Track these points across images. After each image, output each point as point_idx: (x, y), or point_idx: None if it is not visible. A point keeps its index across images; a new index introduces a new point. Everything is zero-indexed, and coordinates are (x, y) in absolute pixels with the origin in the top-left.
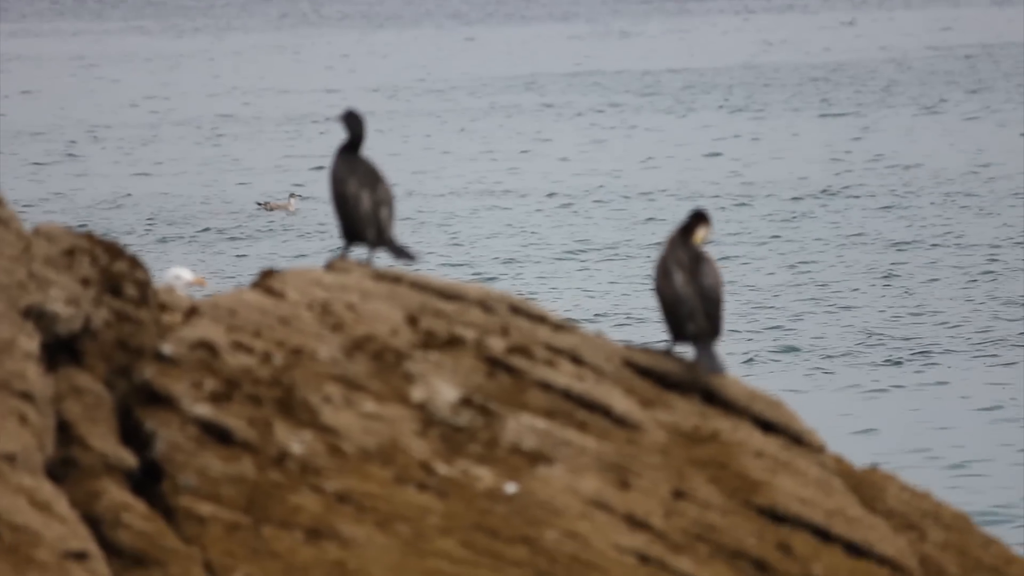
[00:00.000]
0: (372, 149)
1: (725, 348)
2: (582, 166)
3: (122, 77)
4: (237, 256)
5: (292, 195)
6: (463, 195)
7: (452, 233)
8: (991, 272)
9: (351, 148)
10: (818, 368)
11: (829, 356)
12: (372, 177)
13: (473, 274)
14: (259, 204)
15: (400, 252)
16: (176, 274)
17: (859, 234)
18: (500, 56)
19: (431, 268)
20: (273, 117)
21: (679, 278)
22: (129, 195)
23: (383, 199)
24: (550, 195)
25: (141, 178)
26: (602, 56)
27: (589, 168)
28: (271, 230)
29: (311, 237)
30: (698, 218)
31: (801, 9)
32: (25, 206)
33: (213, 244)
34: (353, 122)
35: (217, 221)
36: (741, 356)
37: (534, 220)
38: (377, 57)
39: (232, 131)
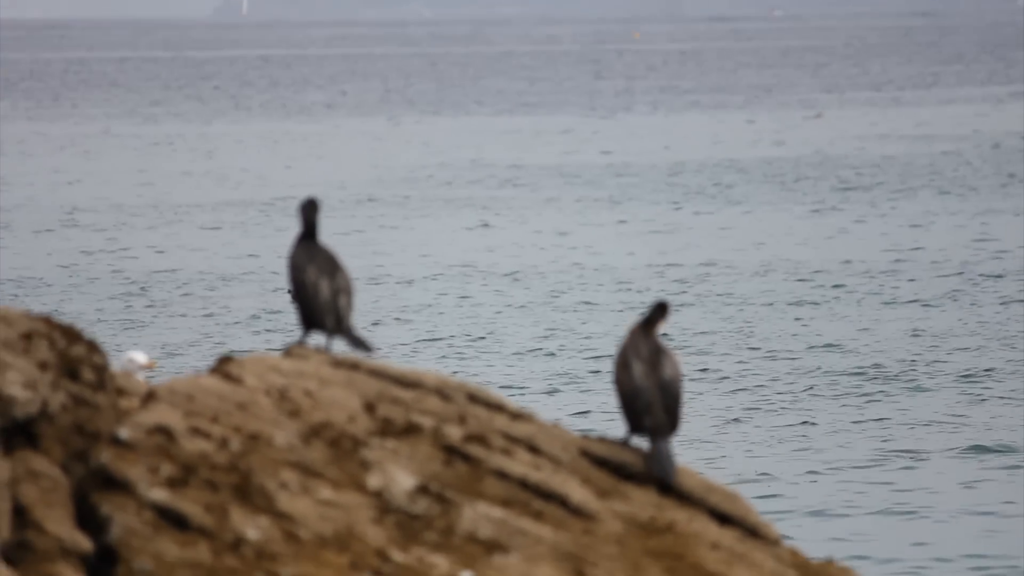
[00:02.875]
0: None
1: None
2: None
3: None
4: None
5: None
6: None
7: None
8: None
9: (309, 236)
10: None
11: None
12: (331, 265)
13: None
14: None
15: (357, 343)
16: (130, 358)
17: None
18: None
19: (402, 355)
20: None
21: (638, 370)
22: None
23: (342, 287)
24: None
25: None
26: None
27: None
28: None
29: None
30: (660, 310)
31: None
32: None
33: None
34: (310, 210)
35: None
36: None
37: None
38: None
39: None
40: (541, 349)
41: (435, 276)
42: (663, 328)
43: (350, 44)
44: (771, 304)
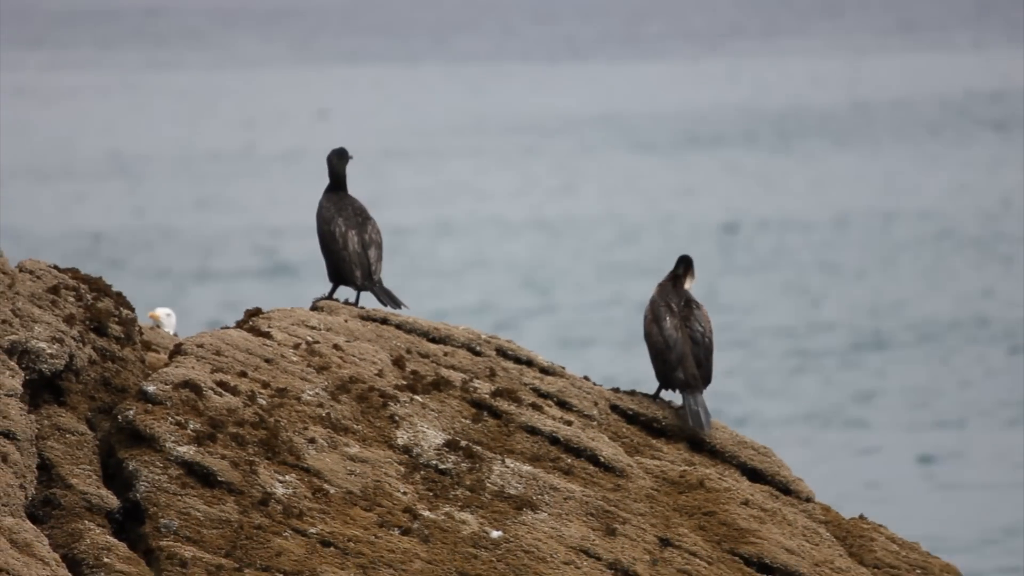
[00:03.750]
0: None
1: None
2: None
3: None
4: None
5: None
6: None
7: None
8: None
9: (337, 187)
10: None
11: None
12: (360, 217)
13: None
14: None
15: (387, 298)
16: (167, 312)
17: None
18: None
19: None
20: (269, 152)
21: (669, 323)
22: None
23: (371, 240)
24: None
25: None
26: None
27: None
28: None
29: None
30: (686, 264)
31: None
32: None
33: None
34: (338, 161)
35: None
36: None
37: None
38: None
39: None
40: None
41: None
42: (690, 283)
43: None
44: None
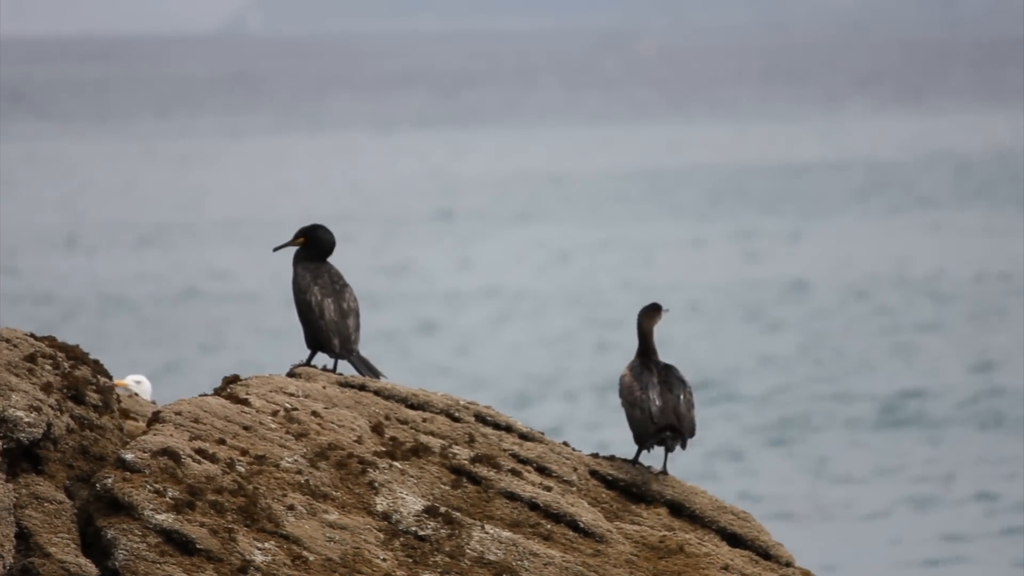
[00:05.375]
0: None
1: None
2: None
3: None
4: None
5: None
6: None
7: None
8: None
9: (315, 256)
10: None
11: None
12: (337, 284)
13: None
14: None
15: (366, 368)
16: (136, 379)
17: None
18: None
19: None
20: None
21: (647, 381)
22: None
23: (350, 308)
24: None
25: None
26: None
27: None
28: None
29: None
30: (654, 310)
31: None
32: None
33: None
34: (321, 233)
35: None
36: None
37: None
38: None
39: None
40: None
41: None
42: (659, 323)
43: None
44: None
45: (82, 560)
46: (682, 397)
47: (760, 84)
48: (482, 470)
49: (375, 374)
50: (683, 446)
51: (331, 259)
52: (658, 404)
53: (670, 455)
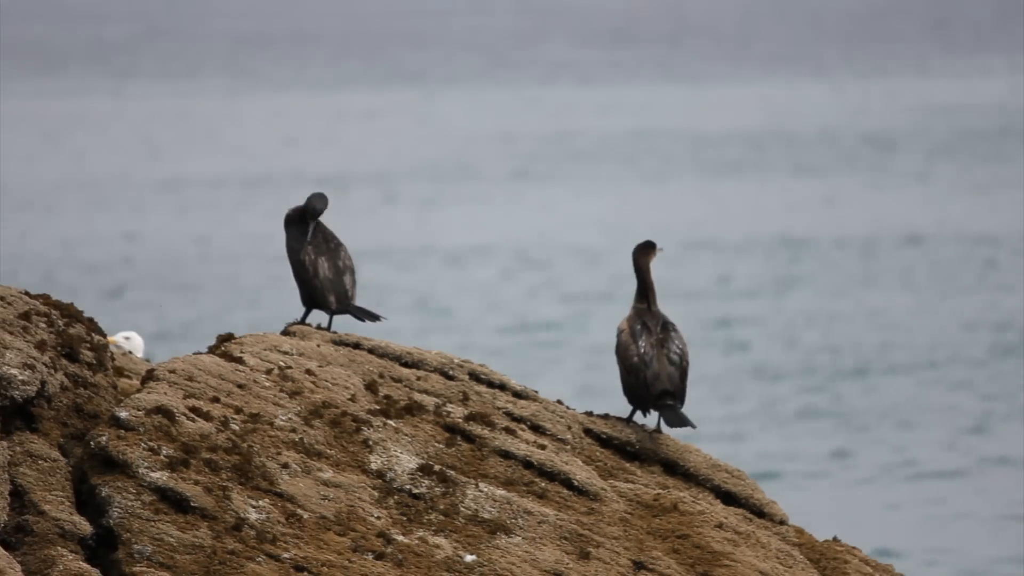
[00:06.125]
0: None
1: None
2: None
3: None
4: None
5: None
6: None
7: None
8: None
9: (305, 218)
10: None
11: None
12: (332, 243)
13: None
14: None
15: (364, 314)
16: (125, 335)
17: None
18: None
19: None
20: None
21: (645, 342)
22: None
23: (345, 266)
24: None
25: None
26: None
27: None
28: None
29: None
30: (648, 248)
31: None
32: None
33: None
34: (315, 200)
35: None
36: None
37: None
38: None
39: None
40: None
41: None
42: (655, 258)
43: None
44: None
45: (76, 518)
46: (679, 364)
47: (784, 40)
48: (476, 428)
49: (374, 318)
50: (680, 417)
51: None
52: (655, 370)
53: (666, 418)
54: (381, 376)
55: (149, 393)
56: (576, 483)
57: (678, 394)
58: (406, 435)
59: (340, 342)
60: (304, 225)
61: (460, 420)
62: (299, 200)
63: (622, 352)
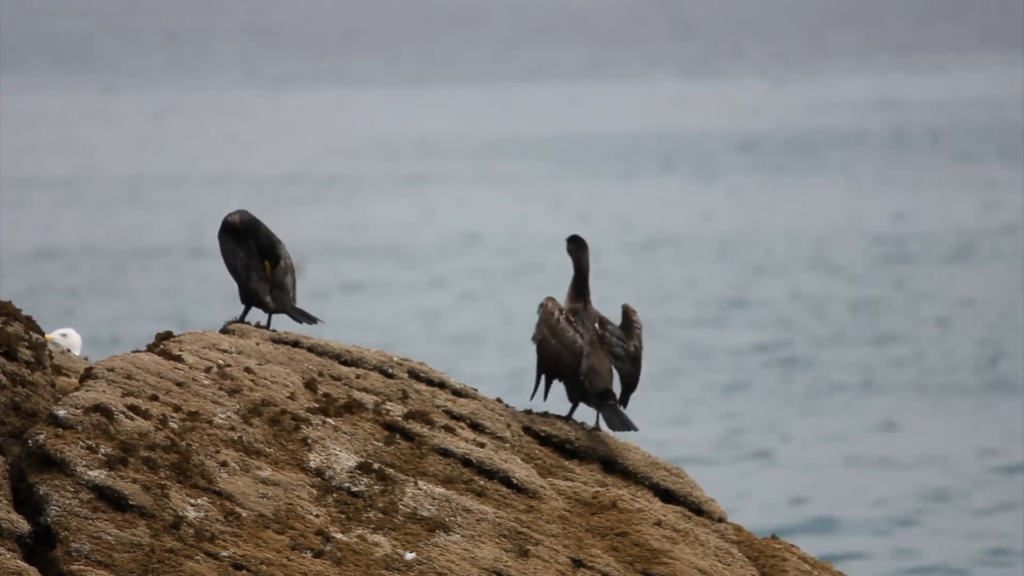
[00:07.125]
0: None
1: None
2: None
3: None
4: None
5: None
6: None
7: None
8: None
9: (244, 233)
10: None
11: None
12: (269, 242)
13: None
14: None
15: (302, 316)
16: (62, 333)
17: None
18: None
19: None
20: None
21: (572, 332)
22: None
23: (286, 265)
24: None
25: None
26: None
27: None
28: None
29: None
30: (579, 246)
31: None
32: None
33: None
34: (277, 249)
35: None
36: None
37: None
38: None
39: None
40: None
41: None
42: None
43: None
44: None
45: (14, 516)
46: (624, 358)
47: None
48: (415, 426)
49: (311, 320)
50: (622, 420)
51: None
52: (593, 365)
53: (603, 412)
54: (320, 374)
55: (87, 391)
56: (515, 481)
57: (620, 393)
58: (345, 433)
59: (279, 340)
60: (242, 239)
61: (399, 418)
62: (236, 205)
63: (553, 324)
